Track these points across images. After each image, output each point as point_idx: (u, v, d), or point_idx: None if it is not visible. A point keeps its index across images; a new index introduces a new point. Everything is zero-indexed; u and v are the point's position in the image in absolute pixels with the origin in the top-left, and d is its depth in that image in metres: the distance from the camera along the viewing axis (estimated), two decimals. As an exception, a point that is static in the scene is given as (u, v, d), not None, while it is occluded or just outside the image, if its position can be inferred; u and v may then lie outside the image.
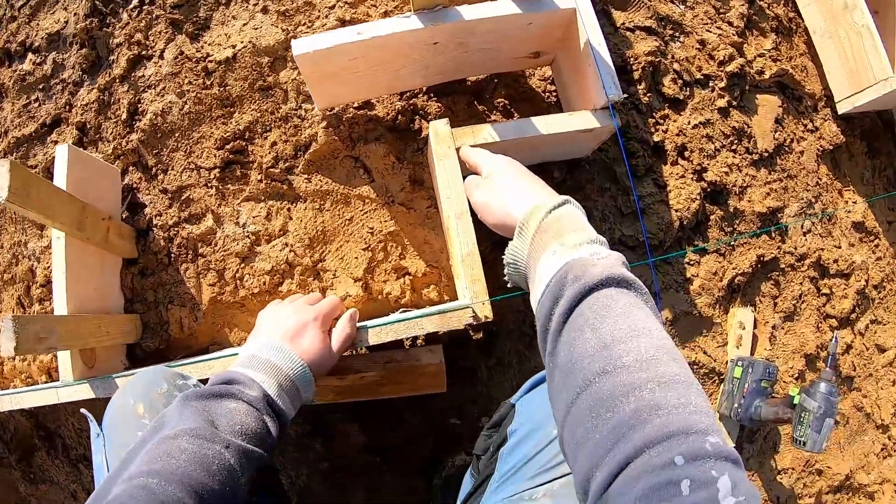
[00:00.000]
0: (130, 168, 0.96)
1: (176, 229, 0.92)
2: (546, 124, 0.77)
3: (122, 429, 0.60)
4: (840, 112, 1.12)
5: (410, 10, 0.74)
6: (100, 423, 0.63)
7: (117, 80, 0.98)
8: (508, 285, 0.59)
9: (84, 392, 0.79)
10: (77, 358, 0.81)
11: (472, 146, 0.74)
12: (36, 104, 1.01)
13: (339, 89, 0.85)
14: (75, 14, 1.05)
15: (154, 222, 0.93)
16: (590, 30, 0.77)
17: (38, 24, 1.06)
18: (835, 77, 1.10)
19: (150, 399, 0.62)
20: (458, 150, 0.75)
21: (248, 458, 0.53)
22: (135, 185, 0.95)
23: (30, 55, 1.05)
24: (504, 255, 0.57)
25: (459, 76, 0.92)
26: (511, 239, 0.57)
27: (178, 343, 0.92)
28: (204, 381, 0.63)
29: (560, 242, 0.50)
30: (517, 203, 0.58)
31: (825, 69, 1.11)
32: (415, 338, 0.88)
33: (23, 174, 0.70)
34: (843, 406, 1.10)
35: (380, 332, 0.68)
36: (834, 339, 0.92)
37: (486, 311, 0.70)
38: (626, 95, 0.82)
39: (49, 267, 0.97)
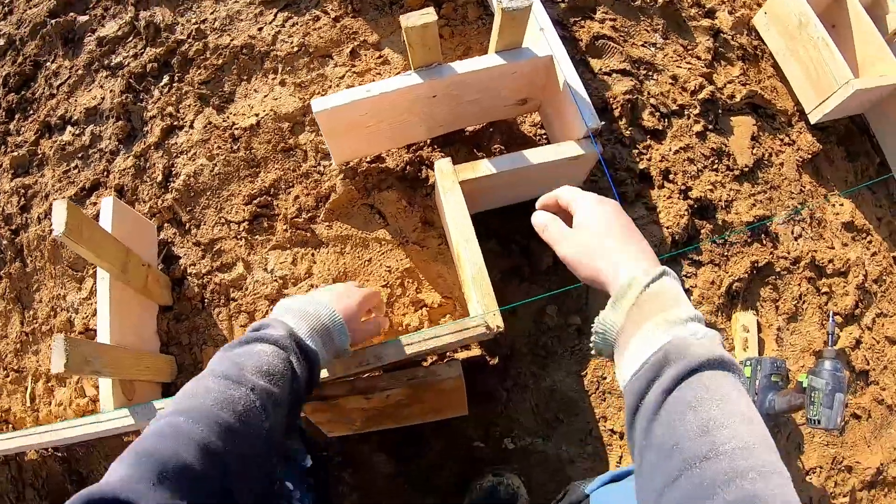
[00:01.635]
0: (165, 224, 1.04)
1: (209, 277, 0.99)
2: (536, 155, 0.84)
3: None
4: (813, 122, 1.18)
5: (411, 70, 0.84)
6: None
7: (152, 148, 1.08)
8: (592, 353, 0.56)
9: (125, 420, 0.82)
10: (118, 389, 0.86)
11: (562, 194, 0.60)
12: (76, 170, 1.12)
13: (354, 144, 0.94)
14: (111, 91, 1.17)
15: (188, 271, 1.00)
16: (566, 71, 0.86)
17: (76, 101, 1.18)
18: (802, 90, 1.17)
19: None
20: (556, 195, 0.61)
21: (274, 400, 0.53)
22: (170, 240, 1.03)
23: (69, 127, 1.16)
24: (594, 323, 0.52)
25: (458, 126, 1.00)
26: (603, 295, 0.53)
27: (215, 385, 0.97)
28: None
29: (658, 319, 0.46)
30: (611, 269, 0.51)
31: (792, 85, 1.18)
32: (435, 356, 0.92)
33: (78, 213, 0.78)
34: (864, 401, 1.09)
35: (403, 348, 0.72)
36: (831, 319, 0.93)
37: (497, 322, 0.74)
38: (603, 123, 0.89)
39: (87, 317, 1.03)
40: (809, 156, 1.18)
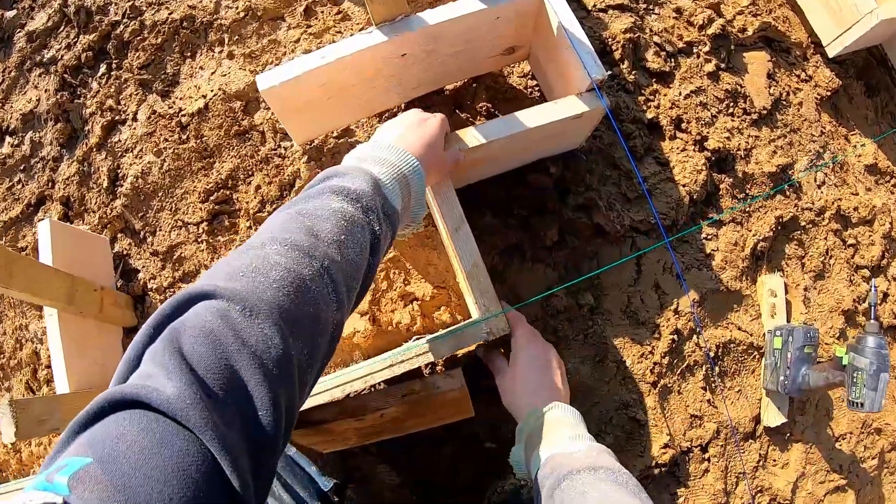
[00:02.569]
0: (119, 235, 0.91)
1: (172, 290, 0.86)
2: (532, 117, 0.70)
3: None
4: (831, 55, 1.04)
5: (372, 26, 0.68)
6: None
7: (94, 150, 0.93)
8: (521, 482, 0.68)
9: None
10: None
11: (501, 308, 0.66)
12: (19, 185, 0.97)
13: (315, 120, 0.79)
14: (46, 90, 1.01)
15: (149, 286, 0.87)
16: (560, 12, 0.71)
17: (11, 107, 1.02)
18: (819, 21, 1.02)
19: None
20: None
21: (348, 282, 0.41)
22: (125, 252, 0.90)
23: (7, 138, 1.01)
24: (509, 459, 0.63)
25: (436, 86, 0.85)
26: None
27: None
28: None
29: (542, 446, 0.55)
30: (519, 406, 0.63)
31: (807, 15, 1.03)
32: (433, 364, 0.81)
33: (2, 253, 0.65)
34: (893, 357, 1.00)
35: (392, 368, 0.61)
36: (873, 288, 0.83)
37: (500, 325, 0.63)
38: (609, 72, 0.75)
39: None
40: (829, 93, 1.05)
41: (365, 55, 0.69)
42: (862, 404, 0.74)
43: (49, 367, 0.93)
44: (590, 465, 0.49)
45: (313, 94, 0.72)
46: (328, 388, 0.62)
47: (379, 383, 0.73)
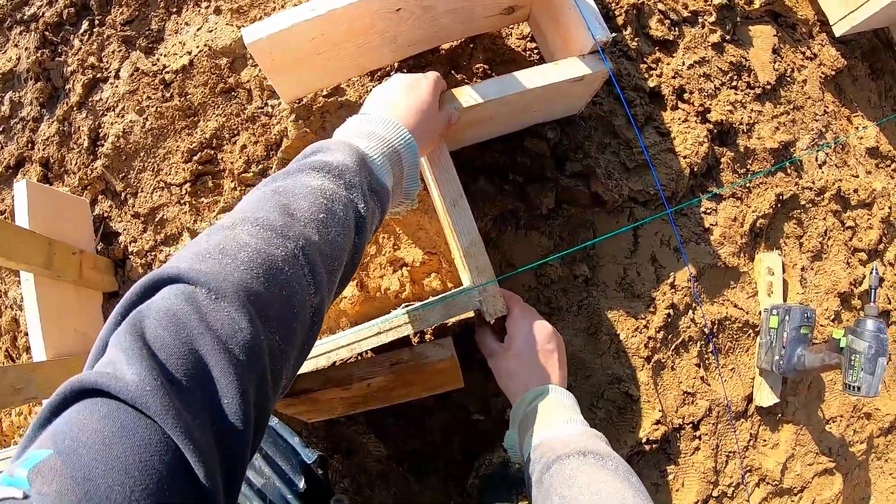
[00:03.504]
0: (99, 197, 0.86)
1: (153, 254, 0.83)
2: (532, 78, 0.66)
3: None
4: (837, 35, 1.01)
5: (365, -26, 0.64)
6: None
7: (75, 109, 0.88)
8: (516, 466, 0.69)
9: None
10: None
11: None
12: None
13: (304, 77, 0.75)
14: (26, 48, 0.95)
15: (129, 249, 0.83)
16: (565, -32, 0.66)
17: None
18: (828, -3, 0.98)
19: None
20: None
21: (328, 264, 0.38)
22: (106, 214, 0.85)
23: None
24: (503, 442, 0.62)
25: (431, 45, 0.81)
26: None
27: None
28: None
29: (535, 429, 0.55)
30: (513, 389, 0.62)
31: (817, -10, 1.00)
32: (422, 333, 0.78)
33: None
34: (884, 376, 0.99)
35: (379, 336, 0.58)
36: (874, 272, 0.81)
37: (498, 306, 0.60)
38: (614, 34, 0.71)
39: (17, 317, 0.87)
40: (833, 72, 1.01)
41: (358, 7, 0.64)
42: (859, 388, 0.72)
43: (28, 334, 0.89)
44: (579, 450, 0.48)
45: (302, 50, 0.68)
46: (312, 356, 0.58)
47: (366, 351, 0.69)
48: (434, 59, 0.83)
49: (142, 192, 0.84)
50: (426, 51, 0.81)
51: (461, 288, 0.61)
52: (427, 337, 0.78)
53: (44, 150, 0.90)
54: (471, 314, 0.67)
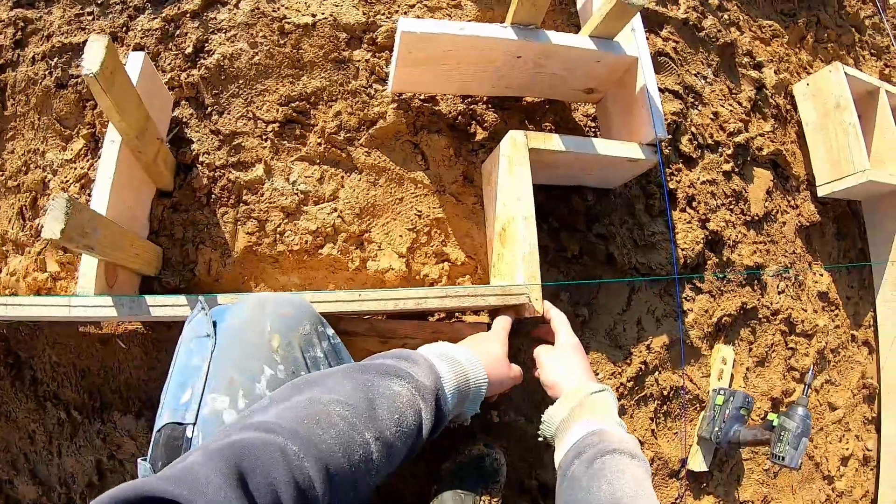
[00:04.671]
0: (183, 102, 1.05)
1: (222, 171, 1.02)
2: (603, 146, 0.98)
3: (245, 350, 0.60)
4: (819, 195, 1.44)
5: (507, 23, 0.94)
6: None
7: (188, 15, 1.08)
8: (539, 438, 0.80)
9: (107, 310, 0.80)
10: (101, 272, 0.84)
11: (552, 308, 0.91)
12: (89, 17, 1.08)
13: (419, 77, 1.02)
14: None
15: (200, 159, 1.02)
16: (647, 77, 1.01)
17: None
18: (819, 163, 1.42)
19: (289, 337, 0.62)
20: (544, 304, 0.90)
21: (390, 457, 0.52)
22: (185, 120, 1.04)
23: None
24: (543, 413, 0.78)
25: (522, 93, 1.12)
26: (551, 400, 0.79)
27: (199, 286, 0.99)
28: None
29: (591, 417, 0.71)
30: (569, 379, 0.79)
31: (812, 156, 1.44)
32: (461, 314, 1.03)
33: (116, 57, 0.76)
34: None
35: (444, 300, 0.82)
36: (811, 372, 1.17)
37: (538, 305, 0.87)
38: (670, 136, 1.05)
39: (68, 182, 1.02)
40: (808, 223, 1.44)
41: (493, 43, 0.94)
42: (783, 458, 1.04)
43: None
44: (630, 451, 0.64)
45: (435, 54, 0.96)
46: (384, 297, 0.81)
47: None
48: (515, 106, 1.14)
49: (228, 114, 1.05)
50: (512, 97, 1.12)
51: (517, 282, 0.88)
52: (464, 319, 1.02)
53: (141, 38, 1.07)
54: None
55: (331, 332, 0.70)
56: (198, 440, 0.55)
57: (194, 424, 0.57)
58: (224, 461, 0.40)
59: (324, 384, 0.52)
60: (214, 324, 0.64)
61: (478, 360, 0.70)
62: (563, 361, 0.82)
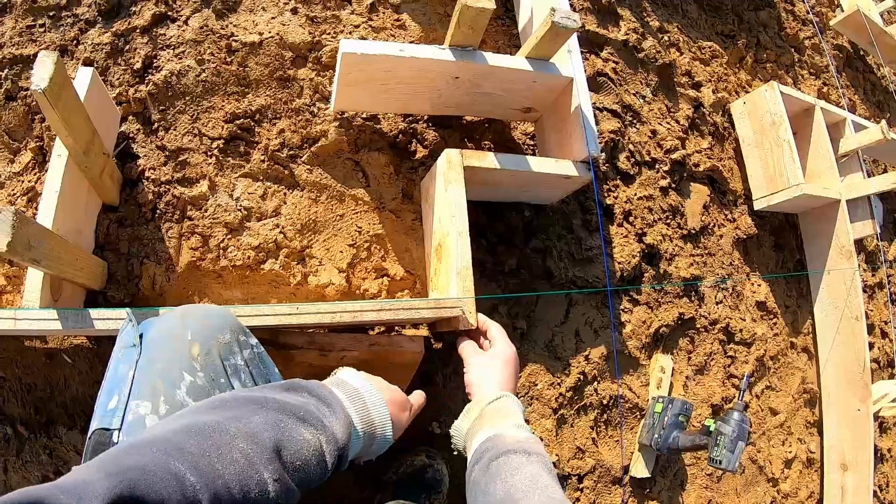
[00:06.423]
0: (130, 117, 1.07)
1: (167, 187, 1.04)
2: (538, 164, 1.03)
3: (167, 357, 0.63)
4: (756, 209, 1.52)
5: (445, 45, 0.99)
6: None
7: (137, 31, 1.10)
8: (454, 452, 0.84)
9: (52, 323, 0.81)
10: (47, 285, 0.85)
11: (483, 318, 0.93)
12: (41, 29, 1.10)
13: (360, 96, 1.06)
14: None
15: (146, 175, 1.04)
16: (582, 97, 1.07)
17: None
18: (755, 178, 1.51)
19: (209, 345, 0.64)
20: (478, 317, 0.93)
21: (289, 493, 0.54)
22: (132, 135, 1.06)
23: None
24: (451, 428, 0.82)
25: (461, 113, 1.17)
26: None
27: (144, 300, 1.01)
28: None
29: (488, 425, 0.76)
30: (482, 387, 0.83)
31: (748, 171, 1.52)
32: (399, 327, 1.06)
33: (64, 73, 0.78)
34: (742, 458, 1.41)
35: (380, 314, 0.86)
36: (745, 378, 1.23)
37: (472, 320, 0.91)
38: (606, 154, 1.11)
39: (15, 195, 1.02)
40: (745, 236, 1.52)
41: (432, 63, 0.99)
42: (721, 461, 1.10)
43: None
44: (526, 449, 0.68)
45: (376, 75, 1.00)
46: (321, 311, 0.84)
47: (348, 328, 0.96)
48: (455, 125, 1.19)
49: (174, 129, 1.07)
50: (452, 116, 1.16)
51: (451, 296, 0.92)
52: (402, 331, 1.06)
53: (90, 52, 1.08)
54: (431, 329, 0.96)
55: (254, 341, 0.73)
56: None
57: (120, 430, 0.60)
58: (118, 482, 0.41)
59: (237, 410, 0.55)
60: (141, 336, 0.67)
61: (388, 417, 0.72)
62: (487, 367, 0.85)
